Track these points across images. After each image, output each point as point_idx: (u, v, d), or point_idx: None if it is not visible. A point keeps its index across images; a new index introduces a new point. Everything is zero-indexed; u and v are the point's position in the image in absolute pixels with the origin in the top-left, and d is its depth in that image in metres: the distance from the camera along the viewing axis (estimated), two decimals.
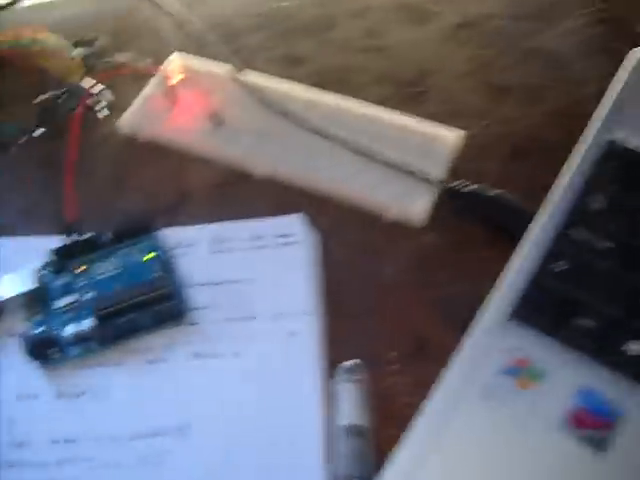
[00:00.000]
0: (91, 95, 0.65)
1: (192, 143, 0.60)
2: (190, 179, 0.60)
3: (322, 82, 0.65)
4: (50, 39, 0.67)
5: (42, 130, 0.64)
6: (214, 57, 0.66)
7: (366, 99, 0.63)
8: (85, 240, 0.55)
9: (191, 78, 0.63)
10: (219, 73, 0.64)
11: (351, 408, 0.49)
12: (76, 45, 0.68)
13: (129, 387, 0.51)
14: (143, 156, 0.61)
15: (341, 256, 0.55)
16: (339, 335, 0.52)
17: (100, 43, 0.68)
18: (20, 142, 0.63)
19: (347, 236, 0.56)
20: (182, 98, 0.62)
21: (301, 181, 0.58)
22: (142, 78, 0.65)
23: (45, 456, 0.49)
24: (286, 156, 0.59)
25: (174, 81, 0.62)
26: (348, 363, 0.50)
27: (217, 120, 0.60)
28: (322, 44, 0.67)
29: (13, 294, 0.53)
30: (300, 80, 0.64)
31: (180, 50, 0.66)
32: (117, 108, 0.64)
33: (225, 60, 0.65)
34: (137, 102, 0.62)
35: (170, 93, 0.62)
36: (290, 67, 0.66)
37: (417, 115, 0.61)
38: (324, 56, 0.67)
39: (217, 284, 0.54)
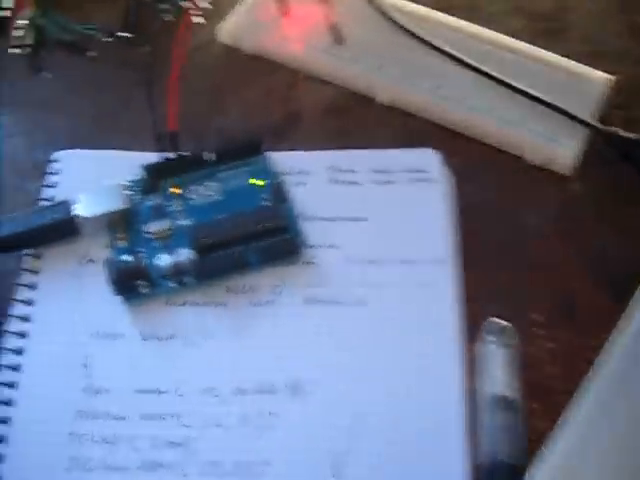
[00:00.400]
0: None
1: (305, 59, 0.51)
2: (301, 100, 0.51)
3: (449, 7, 0.55)
4: None
5: (127, 34, 0.54)
6: None
7: (497, 30, 0.54)
8: (181, 158, 0.46)
9: None
10: None
11: (501, 377, 0.40)
12: None
13: (229, 333, 0.42)
14: (247, 70, 0.53)
15: (476, 200, 0.47)
16: (475, 291, 0.44)
17: None
18: (101, 44, 0.54)
19: (483, 178, 0.48)
20: (295, 6, 0.53)
21: (429, 112, 0.50)
22: None
23: (126, 408, 0.40)
24: (413, 82, 0.50)
25: None
26: (497, 323, 0.41)
27: (336, 36, 0.51)
28: None
29: (94, 214, 0.44)
30: (425, 3, 0.55)
31: None
32: (214, 14, 0.55)
33: None
34: (241, 7, 0.53)
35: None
36: None
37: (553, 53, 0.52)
38: None
39: (336, 219, 0.45)
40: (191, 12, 0.53)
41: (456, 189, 0.47)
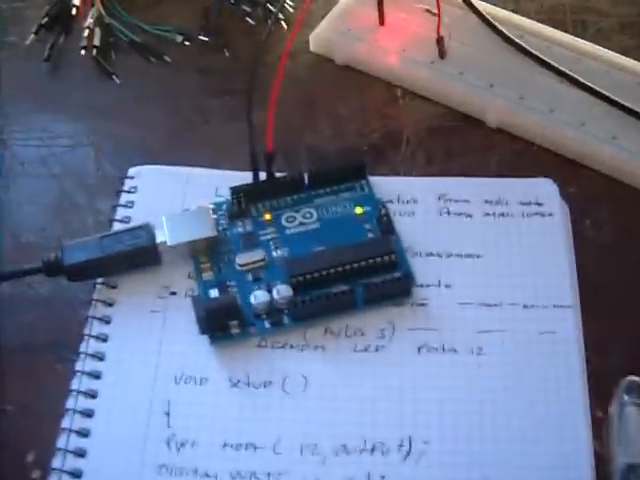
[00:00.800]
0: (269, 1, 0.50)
1: (404, 73, 0.47)
2: (400, 118, 0.46)
3: (558, 21, 0.50)
4: None
5: (206, 38, 0.49)
6: None
7: (608, 48, 0.49)
8: (275, 180, 0.41)
9: None
10: None
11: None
12: None
13: (330, 381, 0.37)
14: (340, 83, 0.48)
15: (596, 238, 0.42)
16: (601, 341, 0.39)
17: None
18: (176, 48, 0.49)
19: (603, 213, 0.43)
20: (393, 14, 0.48)
21: (541, 136, 0.45)
22: None
23: (214, 464, 0.35)
24: (524, 103, 0.45)
25: None
26: (637, 382, 0.36)
27: (440, 48, 0.46)
28: None
29: (178, 241, 0.39)
30: (530, 15, 0.50)
31: None
32: (305, 21, 0.50)
33: None
34: (333, 14, 0.49)
35: (379, 7, 0.47)
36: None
37: None
38: None
39: (448, 255, 0.40)
40: (280, 17, 0.48)
41: (573, 223, 0.42)
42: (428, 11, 0.47)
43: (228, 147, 0.44)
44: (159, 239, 0.39)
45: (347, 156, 0.44)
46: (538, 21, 0.50)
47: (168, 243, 0.39)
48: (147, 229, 0.39)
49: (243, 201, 0.41)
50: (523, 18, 0.49)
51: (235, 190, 0.41)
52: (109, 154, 0.45)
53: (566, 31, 0.50)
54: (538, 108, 0.45)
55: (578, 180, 0.44)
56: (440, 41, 0.46)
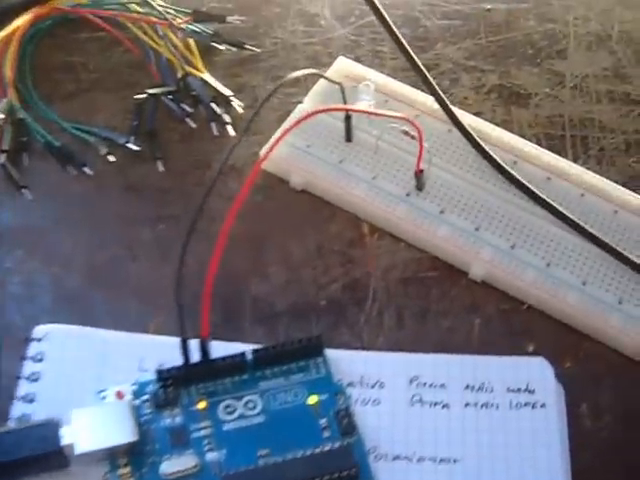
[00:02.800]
0: (214, 101, 0.42)
1: (374, 206, 0.39)
2: (366, 263, 0.39)
3: (555, 138, 0.43)
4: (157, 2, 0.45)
5: (135, 146, 0.41)
6: (401, 77, 0.44)
7: (616, 175, 0.42)
8: (210, 363, 0.33)
9: (376, 103, 0.41)
10: (420, 102, 0.41)
11: None
12: (196, 19, 0.45)
13: None
14: (294, 214, 0.40)
15: (596, 427, 0.35)
16: None
17: (231, 21, 0.46)
18: (101, 156, 0.40)
19: (603, 395, 0.36)
20: (364, 131, 0.40)
21: (535, 296, 0.37)
22: (294, 86, 0.43)
23: None
24: (516, 254, 0.38)
25: (359, 105, 0.40)
26: None
27: (418, 178, 0.38)
28: (553, 76, 0.45)
29: (89, 448, 0.31)
30: (524, 129, 0.43)
31: (349, 56, 0.44)
32: (251, 127, 0.42)
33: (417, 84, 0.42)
34: (287, 125, 0.40)
35: (346, 120, 0.39)
36: (508, 105, 0.44)
37: None
38: (558, 96, 0.45)
39: (420, 459, 0.33)
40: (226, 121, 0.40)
41: (567, 407, 0.35)
42: (406, 134, 0.39)
43: (159, 294, 0.36)
44: (66, 441, 0.31)
45: (301, 315, 0.36)
46: (533, 136, 0.43)
47: (76, 452, 0.31)
48: (51, 427, 0.31)
49: (172, 387, 0.33)
50: (517, 138, 0.41)
51: (162, 374, 0.33)
52: (14, 296, 0.37)
53: (564, 151, 0.42)
54: (532, 261, 0.38)
55: (576, 352, 0.37)
56: (419, 175, 0.38)
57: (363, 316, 0.37)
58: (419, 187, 0.39)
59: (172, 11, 0.46)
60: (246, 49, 0.45)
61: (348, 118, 0.40)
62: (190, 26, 0.46)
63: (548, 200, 0.39)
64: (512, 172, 0.40)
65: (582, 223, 0.38)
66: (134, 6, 0.46)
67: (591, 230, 0.38)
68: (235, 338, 0.36)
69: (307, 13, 0.48)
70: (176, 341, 0.33)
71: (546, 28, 0.49)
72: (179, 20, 0.45)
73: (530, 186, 0.39)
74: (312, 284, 0.38)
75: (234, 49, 0.46)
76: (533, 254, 0.38)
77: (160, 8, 0.45)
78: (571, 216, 0.39)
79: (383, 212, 0.39)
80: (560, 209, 0.39)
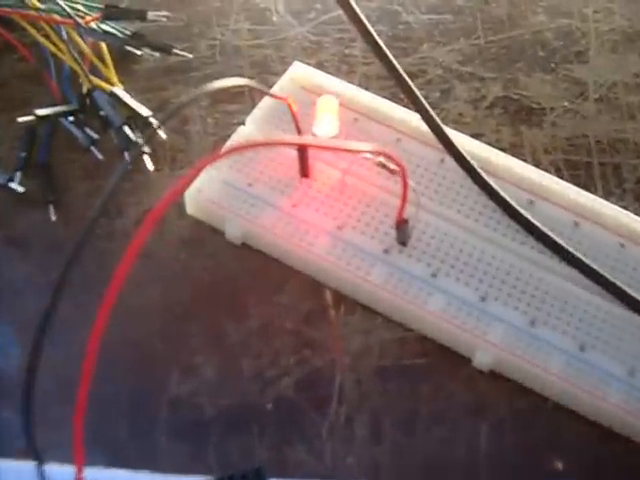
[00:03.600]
0: (128, 124, 0.32)
1: (340, 267, 0.28)
2: (329, 346, 0.28)
3: (580, 166, 0.33)
4: None
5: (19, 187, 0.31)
6: (376, 87, 0.34)
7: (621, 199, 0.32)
8: None
9: (342, 124, 0.30)
10: (401, 121, 0.31)
11: None
12: (108, 16, 0.34)
13: None
14: (232, 276, 0.30)
15: None
16: None
17: (155, 18, 0.35)
18: None
19: None
20: (326, 164, 0.29)
21: (562, 392, 0.28)
22: (236, 101, 0.33)
23: None
24: (537, 333, 0.28)
25: (317, 130, 0.30)
26: None
27: (401, 230, 0.27)
28: (572, 85, 0.35)
29: None
30: (538, 153, 0.33)
31: (307, 61, 0.34)
32: (178, 158, 0.32)
33: (398, 97, 0.32)
34: (222, 160, 0.30)
35: (301, 152, 0.28)
36: (516, 124, 0.34)
37: None
38: (580, 111, 0.35)
39: None
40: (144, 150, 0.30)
41: None
42: (383, 166, 0.28)
43: None
44: None
45: (239, 424, 0.26)
46: (551, 165, 0.32)
47: None
48: None
49: None
50: (530, 168, 0.31)
51: None
52: None
53: (593, 184, 0.32)
54: (559, 343, 0.27)
55: (619, 465, 0.26)
56: (402, 224, 0.27)
57: (326, 425, 0.26)
58: (402, 241, 0.28)
59: (81, 7, 0.35)
60: (174, 54, 0.34)
61: (303, 150, 0.29)
62: (103, 26, 0.35)
63: (578, 255, 0.28)
64: (528, 216, 0.29)
65: (626, 287, 0.27)
66: (33, 1, 0.35)
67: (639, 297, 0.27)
68: (145, 462, 0.25)
69: (255, 7, 0.37)
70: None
71: (560, 24, 0.38)
72: (88, 18, 0.34)
73: (553, 235, 0.28)
74: (254, 379, 0.27)
75: (158, 55, 0.34)
76: (560, 332, 0.28)
77: (64, 3, 0.34)
78: (610, 277, 0.28)
79: (353, 275, 0.28)
80: (595, 267, 0.28)
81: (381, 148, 0.26)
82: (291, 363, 0.28)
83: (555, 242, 0.29)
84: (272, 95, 0.29)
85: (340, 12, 0.29)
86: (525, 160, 0.32)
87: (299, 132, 0.29)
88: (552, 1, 0.39)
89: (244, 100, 0.34)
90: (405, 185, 0.27)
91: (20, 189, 0.31)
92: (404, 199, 0.27)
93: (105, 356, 0.20)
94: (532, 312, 0.28)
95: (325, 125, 0.30)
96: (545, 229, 0.29)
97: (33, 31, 0.35)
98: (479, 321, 0.28)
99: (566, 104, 0.35)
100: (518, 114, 0.35)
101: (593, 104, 0.35)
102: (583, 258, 0.28)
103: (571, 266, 0.29)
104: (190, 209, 0.30)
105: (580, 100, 0.35)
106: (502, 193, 0.29)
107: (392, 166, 0.28)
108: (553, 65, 0.37)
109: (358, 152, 0.27)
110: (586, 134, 0.34)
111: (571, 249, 0.29)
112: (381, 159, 0.28)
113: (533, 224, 0.29)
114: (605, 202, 0.31)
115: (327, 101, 0.30)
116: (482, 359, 0.27)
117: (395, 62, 0.29)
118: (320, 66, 0.35)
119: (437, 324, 0.28)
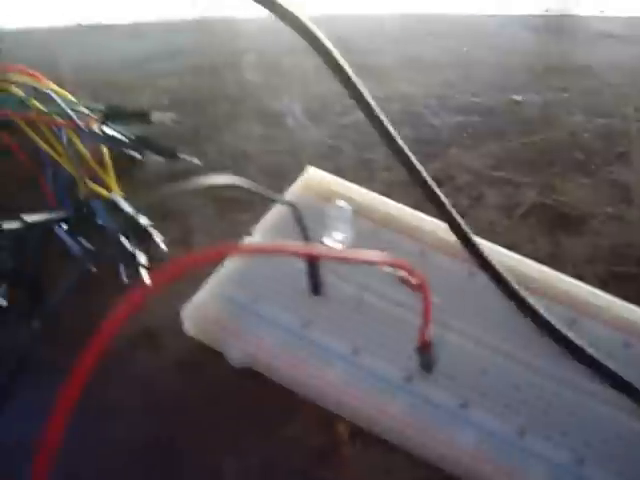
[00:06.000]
0: (125, 234, 0.29)
1: (355, 400, 0.24)
2: None
3: (626, 279, 0.30)
4: (58, 96, 0.32)
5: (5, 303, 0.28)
6: (398, 194, 0.31)
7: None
8: None
9: (357, 234, 0.27)
10: (426, 231, 0.28)
11: None
12: (109, 116, 0.32)
13: None
14: (225, 409, 0.26)
15: None
16: None
17: (160, 120, 0.33)
18: None
19: None
20: (337, 281, 0.26)
21: None
22: (245, 210, 0.30)
23: None
24: (592, 475, 0.22)
25: (326, 241, 0.26)
26: None
27: (425, 354, 0.24)
28: (614, 190, 0.32)
29: None
30: (578, 266, 0.29)
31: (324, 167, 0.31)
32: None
33: (422, 205, 0.29)
34: (227, 272, 0.26)
35: (311, 268, 0.25)
36: (554, 232, 0.30)
37: None
38: (624, 217, 0.32)
39: None
40: (139, 260, 0.27)
41: None
42: (405, 282, 0.25)
43: None
44: None
45: None
46: (595, 278, 0.29)
47: None
48: None
49: None
50: (572, 281, 0.28)
51: None
52: None
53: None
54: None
55: None
56: (425, 347, 0.23)
57: None
58: (426, 367, 0.25)
59: (83, 108, 0.33)
60: (180, 159, 0.32)
61: (314, 264, 0.25)
62: (105, 128, 0.32)
63: (630, 382, 0.24)
64: (571, 338, 0.25)
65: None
66: (34, 102, 0.33)
67: None
68: None
69: (268, 110, 0.35)
70: None
71: (598, 124, 0.35)
72: (89, 120, 0.32)
73: (600, 359, 0.25)
74: None
75: (162, 159, 0.32)
76: (614, 474, 0.23)
77: (64, 104, 0.32)
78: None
79: (369, 406, 0.24)
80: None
81: (400, 259, 0.22)
82: None
83: (603, 366, 0.25)
84: (275, 199, 0.26)
85: (360, 115, 0.26)
86: (565, 272, 0.28)
87: (307, 241, 0.26)
88: (589, 100, 0.36)
89: (254, 209, 0.31)
90: (428, 302, 0.23)
91: (3, 303, 0.28)
92: (427, 318, 0.24)
93: None
94: (581, 449, 0.24)
95: (338, 235, 0.27)
96: (592, 351, 0.25)
97: (32, 134, 0.33)
98: (518, 459, 0.24)
99: (608, 210, 0.32)
100: (556, 222, 0.31)
101: (638, 209, 0.32)
102: (637, 385, 0.24)
103: (623, 394, 0.25)
104: (188, 328, 0.27)
105: (624, 205, 0.32)
106: (541, 311, 0.26)
107: (414, 280, 0.24)
108: (593, 168, 0.33)
109: (374, 263, 0.24)
110: (631, 243, 0.31)
111: (621, 374, 0.25)
112: (401, 273, 0.25)
113: (577, 345, 0.25)
114: None
115: (337, 210, 0.27)
116: None
117: (420, 167, 0.26)
118: (338, 171, 0.32)
119: (468, 463, 0.24)
